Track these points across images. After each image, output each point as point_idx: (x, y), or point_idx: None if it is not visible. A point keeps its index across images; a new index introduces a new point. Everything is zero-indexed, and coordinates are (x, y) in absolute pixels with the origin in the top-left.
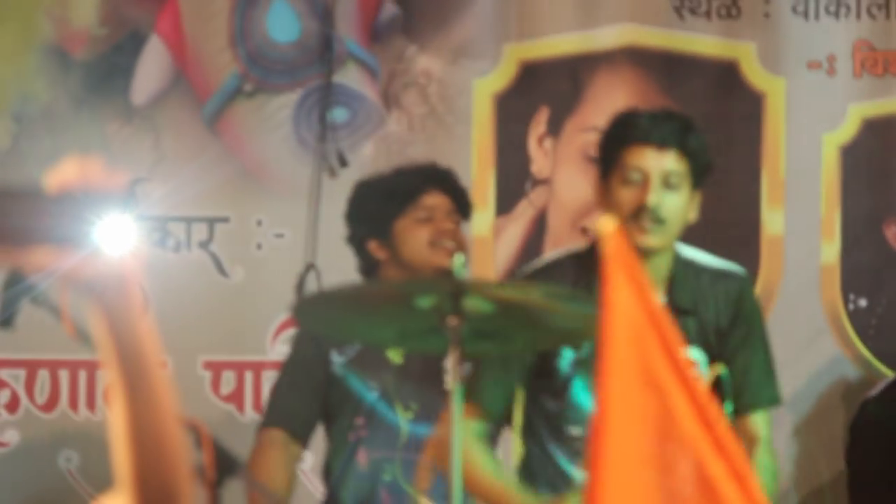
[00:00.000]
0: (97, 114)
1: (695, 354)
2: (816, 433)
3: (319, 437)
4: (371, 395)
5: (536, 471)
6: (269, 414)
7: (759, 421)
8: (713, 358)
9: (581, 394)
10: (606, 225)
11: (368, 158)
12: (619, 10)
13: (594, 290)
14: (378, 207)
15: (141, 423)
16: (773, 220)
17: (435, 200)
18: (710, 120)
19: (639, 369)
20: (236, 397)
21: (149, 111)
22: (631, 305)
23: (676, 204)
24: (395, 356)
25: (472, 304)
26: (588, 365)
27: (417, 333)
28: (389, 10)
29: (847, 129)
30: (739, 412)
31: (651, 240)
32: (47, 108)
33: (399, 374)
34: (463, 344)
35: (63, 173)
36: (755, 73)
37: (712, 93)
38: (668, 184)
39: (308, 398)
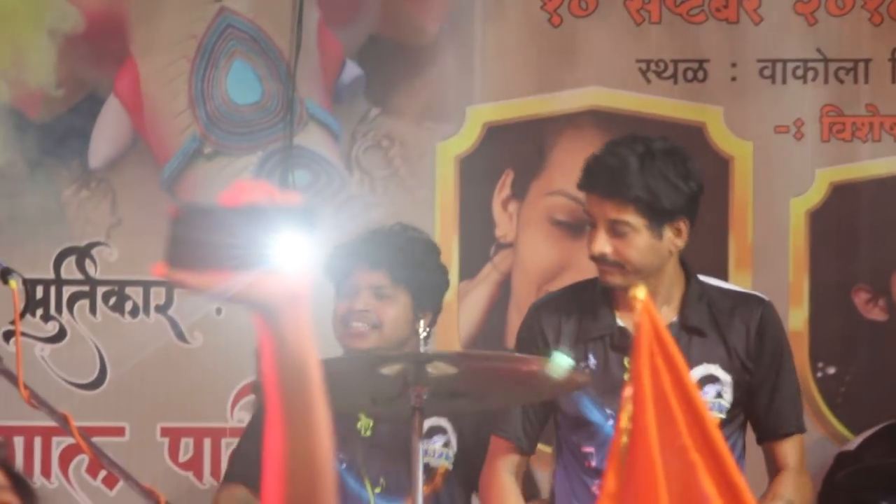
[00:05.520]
0: (53, 177)
1: (717, 373)
2: None
3: None
4: (338, 465)
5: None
6: (232, 469)
7: (788, 448)
8: (744, 382)
9: (590, 410)
10: (639, 294)
11: (330, 221)
12: (584, 73)
13: (599, 317)
14: (331, 276)
15: (298, 452)
16: (740, 285)
17: (360, 279)
18: None
19: (662, 433)
20: (195, 464)
21: (106, 174)
22: (658, 375)
23: (633, 248)
24: (364, 428)
25: (436, 368)
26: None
27: (386, 400)
28: (351, 71)
29: (815, 194)
30: (766, 439)
31: (613, 279)
32: (2, 171)
33: (367, 446)
34: (437, 403)
35: (241, 190)
36: (722, 137)
37: None
38: (614, 231)
39: None
